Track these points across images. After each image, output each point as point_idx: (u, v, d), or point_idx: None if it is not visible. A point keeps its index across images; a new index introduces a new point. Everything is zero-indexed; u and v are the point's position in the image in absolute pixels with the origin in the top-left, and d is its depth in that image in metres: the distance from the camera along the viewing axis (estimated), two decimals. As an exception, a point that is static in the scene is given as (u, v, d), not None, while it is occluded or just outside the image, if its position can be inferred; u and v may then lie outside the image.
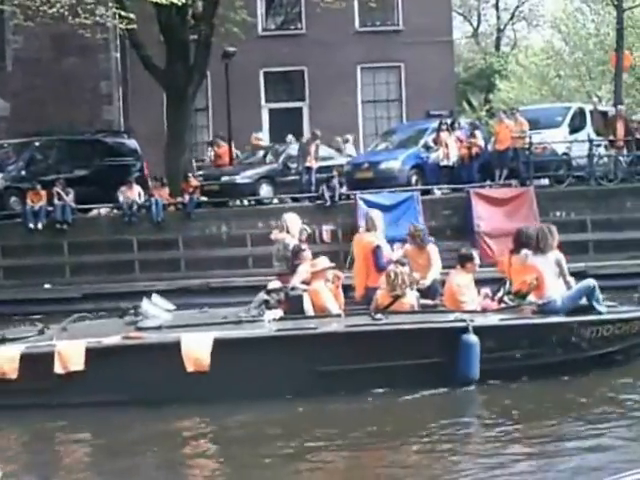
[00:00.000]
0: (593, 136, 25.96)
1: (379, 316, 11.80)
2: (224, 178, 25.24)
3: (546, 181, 25.58)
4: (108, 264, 23.65)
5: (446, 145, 24.97)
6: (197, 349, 11.22)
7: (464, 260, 12.82)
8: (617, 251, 22.80)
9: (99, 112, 31.23)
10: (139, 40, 26.17)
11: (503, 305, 12.67)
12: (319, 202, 24.22)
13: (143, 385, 11.19)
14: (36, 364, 11.27)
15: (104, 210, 25.13)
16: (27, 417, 11.04)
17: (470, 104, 57.93)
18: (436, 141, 25.27)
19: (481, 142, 25.41)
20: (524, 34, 61.67)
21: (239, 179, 25.04)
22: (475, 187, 24.20)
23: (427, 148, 25.53)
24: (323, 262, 12.74)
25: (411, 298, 12.36)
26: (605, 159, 25.93)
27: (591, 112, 27.95)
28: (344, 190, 24.53)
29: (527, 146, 24.79)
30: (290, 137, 27.87)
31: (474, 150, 25.09)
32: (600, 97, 49.35)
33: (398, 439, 9.89)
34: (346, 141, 29.07)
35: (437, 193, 24.94)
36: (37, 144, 25.73)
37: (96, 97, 31.22)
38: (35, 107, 29.11)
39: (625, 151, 26.00)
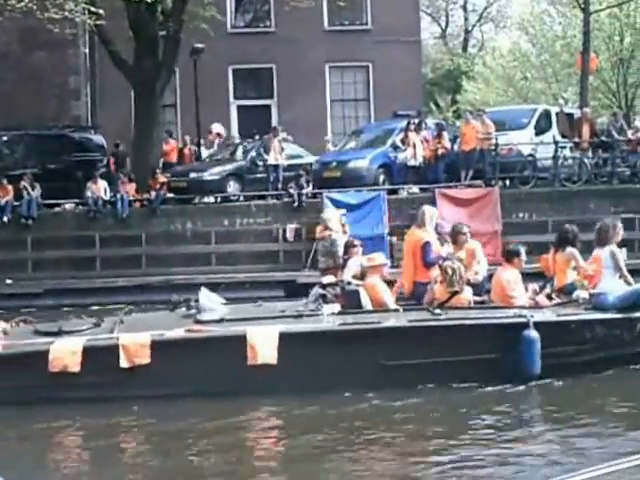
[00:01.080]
0: (558, 138, 25.95)
1: (438, 311, 11.87)
2: (192, 175, 25.02)
3: (508, 182, 25.46)
4: (70, 260, 23.37)
5: (414, 145, 24.88)
6: (264, 343, 11.24)
7: (511, 256, 12.80)
8: (582, 254, 22.72)
9: (67, 107, 30.99)
10: (108, 36, 26.00)
11: (555, 301, 12.70)
12: (286, 200, 24.10)
13: (207, 378, 11.17)
14: (99, 357, 11.17)
15: (69, 205, 24.84)
16: (90, 410, 10.96)
17: (437, 105, 58.06)
18: (404, 141, 25.18)
19: (447, 143, 25.36)
20: (491, 36, 62.00)
21: (207, 176, 24.85)
22: (441, 187, 24.16)
23: (395, 148, 25.45)
24: (379, 257, 12.89)
25: (468, 294, 12.41)
26: (570, 161, 25.95)
27: (557, 114, 27.95)
28: (311, 189, 24.42)
29: (493, 147, 24.75)
30: (257, 137, 27.64)
31: (440, 150, 25.03)
32: (566, 99, 49.52)
33: (456, 432, 9.93)
34: (327, 142, 29.16)
35: (403, 193, 24.85)
36: (4, 138, 25.52)
37: (64, 92, 30.98)
38: (3, 101, 28.81)
39: (590, 153, 26.04)
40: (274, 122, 31.98)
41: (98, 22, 24.04)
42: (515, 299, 12.37)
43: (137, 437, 10.43)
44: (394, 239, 23.01)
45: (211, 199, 25.04)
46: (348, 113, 34.22)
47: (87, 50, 31.52)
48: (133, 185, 24.79)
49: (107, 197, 24.15)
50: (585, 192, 24.50)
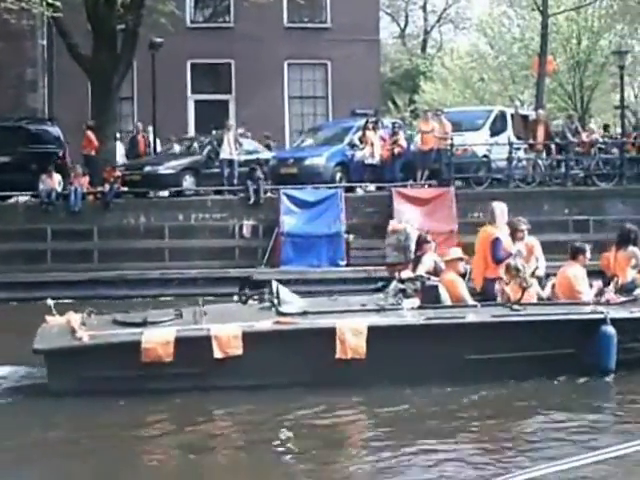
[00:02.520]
0: (513, 139, 26.00)
1: (517, 307, 12.03)
2: (146, 168, 24.74)
3: (463, 182, 25.43)
4: (21, 253, 22.89)
5: (371, 144, 24.79)
6: (353, 336, 11.37)
7: (576, 252, 13.02)
8: (533, 253, 22.77)
9: (23, 99, 30.58)
10: (66, 28, 25.67)
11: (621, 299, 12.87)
12: (242, 196, 23.88)
13: (296, 370, 11.27)
14: (190, 348, 11.20)
15: (22, 198, 24.41)
16: (181, 400, 11.04)
17: (395, 104, 58.00)
18: (361, 139, 25.08)
19: (404, 142, 25.28)
20: (450, 37, 62.13)
21: (162, 170, 24.59)
22: (397, 186, 24.08)
23: (352, 146, 25.34)
24: (456, 252, 13.01)
25: (537, 289, 12.69)
26: (524, 162, 26.00)
27: (512, 115, 28.00)
28: (268, 185, 24.23)
29: (449, 147, 24.67)
30: (214, 132, 27.36)
31: (397, 150, 24.93)
32: (522, 101, 49.73)
33: (535, 424, 10.20)
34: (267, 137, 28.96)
35: (360, 191, 24.75)
36: (-40, 130, 25.00)
37: (21, 84, 30.57)
38: (-41, 93, 28.34)
39: (544, 155, 26.09)
40: (232, 117, 31.77)
41: (56, 14, 23.69)
42: (582, 295, 12.63)
43: (228, 428, 10.43)
44: (351, 237, 22.96)
45: (166, 193, 24.70)
46: (306, 110, 34.08)
47: (45, 42, 31.10)
48: (87, 178, 24.39)
49: (60, 190, 23.77)
50: (539, 193, 24.57)
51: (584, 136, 26.93)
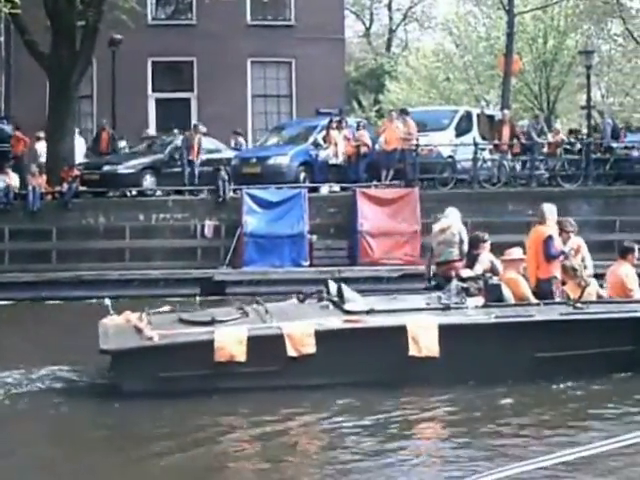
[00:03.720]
0: (479, 140, 26.12)
1: (580, 305, 12.46)
2: (106, 167, 24.67)
3: (428, 183, 25.54)
4: (-22, 254, 22.84)
5: (335, 143, 24.89)
6: (425, 334, 11.68)
7: (626, 252, 13.36)
8: (496, 254, 22.95)
9: (-20, 97, 30.37)
10: (24, 24, 25.44)
11: None
12: (203, 196, 23.91)
13: (368, 368, 11.50)
14: (263, 346, 11.41)
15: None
16: (254, 398, 11.21)
17: (360, 104, 58.14)
18: (325, 139, 25.17)
19: (368, 142, 25.39)
20: (416, 36, 62.25)
21: (121, 169, 24.55)
22: (361, 186, 24.19)
23: (316, 145, 25.43)
24: (518, 252, 13.19)
25: (597, 288, 13.13)
26: (489, 163, 26.18)
27: (478, 116, 28.16)
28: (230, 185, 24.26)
29: (414, 148, 24.80)
30: (176, 131, 27.28)
31: (362, 150, 25.04)
32: (488, 101, 50.00)
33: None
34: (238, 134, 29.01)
35: (324, 191, 24.83)
36: None
37: (-23, 81, 30.34)
38: None
39: (509, 155, 26.29)
40: (193, 116, 31.80)
41: (14, 10, 23.48)
42: (633, 293, 12.99)
43: (303, 426, 10.61)
44: (314, 237, 23.06)
45: (126, 193, 24.65)
46: (270, 109, 34.09)
47: (2, 38, 30.92)
48: (44, 177, 24.31)
49: (18, 189, 23.69)
50: (504, 194, 24.79)
51: (550, 136, 27.16)
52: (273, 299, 13.85)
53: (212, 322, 11.78)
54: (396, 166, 25.05)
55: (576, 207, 24.37)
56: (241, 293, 21.37)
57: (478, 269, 13.40)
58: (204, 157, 25.09)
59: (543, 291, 12.90)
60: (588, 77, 32.38)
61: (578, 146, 27.20)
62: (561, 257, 13.04)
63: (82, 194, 24.23)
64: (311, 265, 22.74)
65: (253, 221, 23.08)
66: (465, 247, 14.17)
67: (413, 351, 11.60)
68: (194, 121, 28.89)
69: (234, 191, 24.21)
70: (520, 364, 11.77)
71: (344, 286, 12.73)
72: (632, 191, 25.13)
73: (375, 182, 24.91)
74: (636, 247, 13.46)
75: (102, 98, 30.57)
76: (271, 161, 24.69)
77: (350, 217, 23.47)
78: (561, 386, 11.77)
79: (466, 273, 13.37)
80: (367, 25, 61.46)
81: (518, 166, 26.54)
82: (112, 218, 23.56)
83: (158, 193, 24.68)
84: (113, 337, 11.62)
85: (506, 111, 28.12)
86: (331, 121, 25.59)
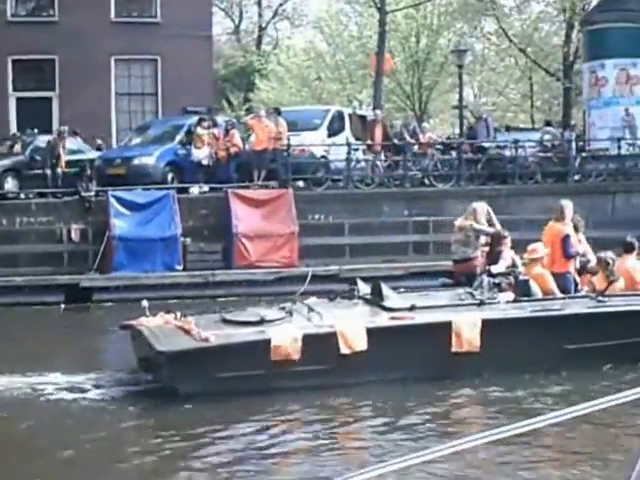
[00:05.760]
0: (351, 140, 26.62)
1: (601, 298, 13.49)
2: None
3: (301, 183, 25.94)
4: None
5: (204, 143, 25.03)
6: (469, 329, 12.48)
7: (630, 247, 14.42)
8: (373, 254, 23.60)
9: None
10: None
11: None
12: (68, 199, 23.73)
13: (415, 363, 12.24)
14: (317, 345, 11.91)
15: None
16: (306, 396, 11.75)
17: (229, 102, 58.30)
18: (193, 138, 25.28)
19: (238, 141, 25.63)
20: (286, 33, 62.61)
21: (-21, 171, 24.16)
22: (233, 187, 24.34)
23: (183, 145, 25.53)
24: (541, 249, 14.01)
25: (622, 283, 13.97)
26: (363, 163, 26.71)
27: (350, 116, 28.68)
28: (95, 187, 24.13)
29: (285, 148, 25.12)
30: (35, 131, 27.00)
31: (232, 149, 25.27)
32: (361, 101, 50.72)
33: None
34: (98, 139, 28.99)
35: (194, 192, 24.92)
36: None
37: None
38: None
39: (382, 156, 26.86)
40: (55, 116, 31.53)
41: None
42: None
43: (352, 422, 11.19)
44: (187, 240, 23.08)
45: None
46: (135, 108, 34.00)
47: None
48: None
49: None
50: (378, 194, 25.38)
51: (422, 137, 27.82)
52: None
53: (262, 322, 12.29)
54: (268, 166, 25.32)
55: (450, 207, 25.06)
56: (109, 300, 21.44)
57: (502, 265, 14.25)
58: (67, 158, 24.77)
59: (558, 286, 13.90)
60: (460, 76, 33.26)
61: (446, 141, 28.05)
62: (577, 256, 14.28)
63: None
64: (185, 269, 22.74)
65: (121, 224, 22.83)
66: (481, 243, 14.86)
67: (456, 346, 12.41)
68: (57, 120, 28.65)
69: (98, 193, 23.86)
70: (551, 356, 12.68)
71: (382, 284, 13.40)
72: (505, 190, 26.04)
73: (247, 183, 25.12)
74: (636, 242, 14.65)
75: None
76: (136, 161, 24.62)
77: (223, 219, 23.56)
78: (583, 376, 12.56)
79: (496, 269, 14.16)
80: (236, 22, 61.57)
81: (392, 165, 27.05)
82: (-28, 223, 23.24)
83: (22, 196, 24.38)
84: (164, 339, 11.87)
85: (378, 111, 28.72)
86: (199, 120, 25.74)
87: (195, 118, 26.26)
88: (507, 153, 28.05)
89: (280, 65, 55.58)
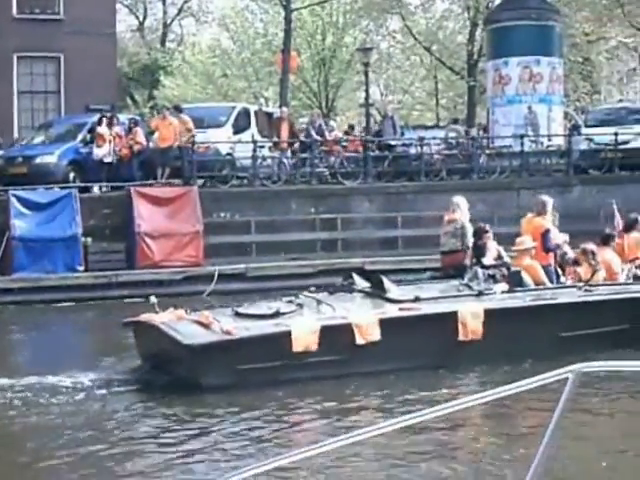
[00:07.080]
0: (257, 137, 26.50)
1: (588, 287, 14.08)
2: None
3: (202, 181, 25.67)
4: None
5: (106, 141, 24.70)
6: (473, 319, 13.00)
7: (607, 238, 15.14)
8: (279, 252, 23.46)
9: None
10: None
11: None
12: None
13: (425, 352, 12.67)
14: (333, 336, 12.28)
15: None
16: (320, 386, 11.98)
17: (134, 100, 57.70)
18: (96, 136, 24.92)
19: (142, 139, 25.32)
20: (191, 30, 62.28)
21: None
22: (137, 185, 23.98)
23: (86, 143, 25.21)
24: (528, 241, 14.47)
25: (603, 273, 14.56)
26: (269, 161, 26.59)
27: (256, 113, 28.58)
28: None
29: (190, 145, 24.88)
30: None
31: (135, 147, 24.96)
32: (267, 98, 50.66)
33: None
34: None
35: (96, 191, 24.59)
36: None
37: None
38: None
39: (289, 153, 26.78)
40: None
41: None
42: (618, 276, 14.77)
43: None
44: (88, 240, 22.70)
45: None
46: (37, 106, 33.43)
47: None
48: None
49: None
50: (286, 192, 25.24)
51: (327, 134, 27.82)
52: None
53: (277, 314, 12.55)
54: (172, 164, 25.04)
55: (358, 204, 25.19)
56: (11, 302, 20.97)
57: (489, 257, 14.59)
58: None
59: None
60: (366, 74, 33.29)
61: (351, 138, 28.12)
62: (557, 249, 14.79)
63: None
64: (86, 270, 22.35)
65: (22, 224, 22.37)
66: (469, 238, 15.08)
67: (462, 335, 12.93)
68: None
69: (-2, 193, 23.46)
70: (546, 343, 13.11)
71: (384, 277, 13.74)
72: (412, 187, 26.10)
73: (151, 181, 24.81)
74: (615, 233, 15.36)
75: None
76: (38, 160, 24.25)
77: (126, 218, 23.17)
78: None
79: (487, 261, 14.49)
80: (141, 19, 60.99)
81: (298, 163, 26.99)
82: None
83: None
84: (186, 333, 12.00)
85: (284, 108, 28.69)
86: (102, 117, 25.38)
87: (97, 116, 25.86)
88: (413, 151, 28.14)
89: (185, 62, 55.35)
